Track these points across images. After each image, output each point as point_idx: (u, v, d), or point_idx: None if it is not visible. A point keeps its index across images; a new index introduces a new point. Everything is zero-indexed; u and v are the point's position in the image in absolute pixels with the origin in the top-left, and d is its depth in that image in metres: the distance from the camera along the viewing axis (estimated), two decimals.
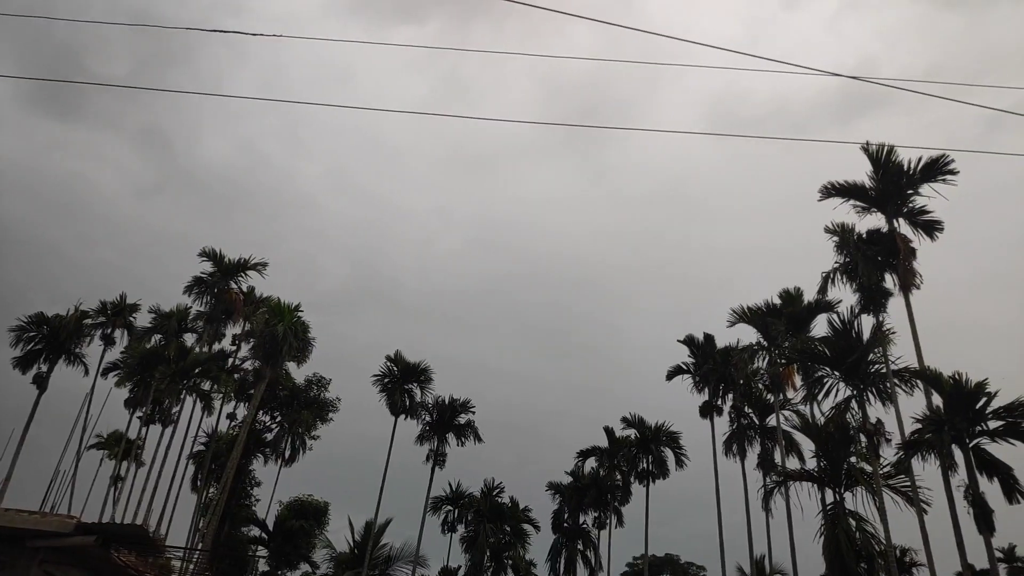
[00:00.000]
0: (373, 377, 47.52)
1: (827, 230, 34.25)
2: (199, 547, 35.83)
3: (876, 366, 30.14)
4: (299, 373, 46.82)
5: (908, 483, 27.79)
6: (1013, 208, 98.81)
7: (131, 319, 45.91)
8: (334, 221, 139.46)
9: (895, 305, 31.63)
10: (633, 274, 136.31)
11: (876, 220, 33.38)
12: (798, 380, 36.97)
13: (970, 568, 27.12)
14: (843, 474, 28.15)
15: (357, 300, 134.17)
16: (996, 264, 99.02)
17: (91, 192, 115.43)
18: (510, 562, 50.13)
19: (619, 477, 49.67)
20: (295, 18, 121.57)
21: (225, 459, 40.73)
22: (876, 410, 29.48)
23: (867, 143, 32.39)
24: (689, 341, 46.35)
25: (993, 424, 26.49)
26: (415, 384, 47.87)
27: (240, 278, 47.09)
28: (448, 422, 48.45)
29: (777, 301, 41.08)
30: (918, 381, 29.46)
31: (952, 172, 31.71)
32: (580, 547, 50.89)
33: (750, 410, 43.35)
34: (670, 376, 46.39)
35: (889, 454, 28.90)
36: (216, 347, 46.61)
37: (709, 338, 45.47)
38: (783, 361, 39.29)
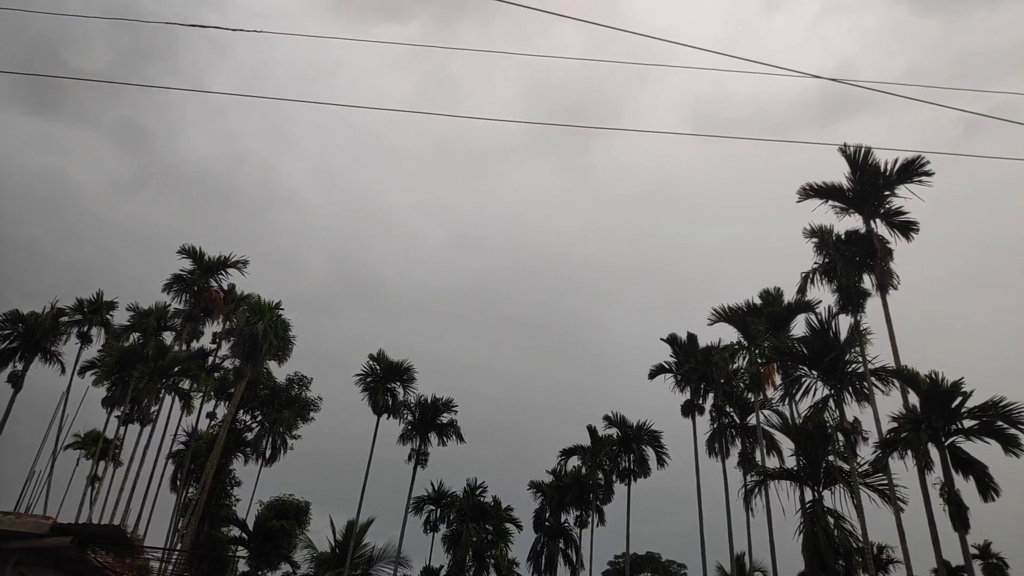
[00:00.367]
0: (356, 376, 47.44)
1: (806, 233, 34.55)
2: (178, 548, 35.54)
3: (853, 365, 30.54)
4: (280, 372, 46.68)
5: (885, 481, 28.17)
6: (989, 210, 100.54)
7: (108, 317, 45.51)
8: (318, 218, 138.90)
9: (873, 305, 32.03)
10: (618, 273, 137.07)
11: (854, 221, 33.76)
12: (778, 379, 37.25)
13: (946, 564, 27.59)
14: (822, 472, 28.51)
15: (340, 297, 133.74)
16: (972, 265, 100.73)
17: (69, 188, 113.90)
18: (492, 561, 50.11)
19: (601, 476, 49.80)
20: (277, 15, 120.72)
21: (205, 459, 40.37)
22: (853, 409, 29.96)
23: (845, 145, 32.79)
24: (672, 340, 46.50)
25: (968, 423, 26.80)
26: (398, 383, 47.81)
27: (220, 276, 46.92)
28: (431, 421, 48.33)
29: (758, 301, 41.40)
30: (895, 380, 29.83)
31: (928, 173, 32.07)
32: (562, 546, 50.95)
33: (731, 409, 43.63)
34: (652, 375, 46.54)
35: (866, 453, 29.40)
36: (196, 345, 46.40)
37: (692, 337, 45.59)
38: (763, 360, 39.59)
